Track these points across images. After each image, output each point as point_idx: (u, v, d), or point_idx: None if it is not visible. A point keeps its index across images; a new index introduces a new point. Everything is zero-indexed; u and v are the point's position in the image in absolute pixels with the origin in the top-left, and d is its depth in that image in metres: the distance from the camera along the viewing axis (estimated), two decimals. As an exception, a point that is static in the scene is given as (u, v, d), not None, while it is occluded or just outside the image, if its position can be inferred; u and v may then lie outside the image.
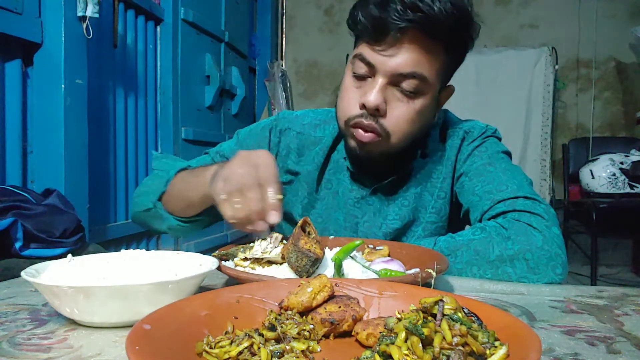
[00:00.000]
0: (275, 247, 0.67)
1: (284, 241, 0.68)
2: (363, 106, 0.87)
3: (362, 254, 0.75)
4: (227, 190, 0.72)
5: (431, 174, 0.99)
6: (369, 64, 0.86)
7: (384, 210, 1.00)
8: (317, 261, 0.61)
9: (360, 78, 0.88)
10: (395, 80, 0.85)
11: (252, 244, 0.69)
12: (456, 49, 0.89)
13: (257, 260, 0.67)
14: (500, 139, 1.02)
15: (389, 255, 0.74)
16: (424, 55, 0.84)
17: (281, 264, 0.66)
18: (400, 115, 0.87)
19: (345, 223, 1.01)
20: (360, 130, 0.88)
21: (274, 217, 0.70)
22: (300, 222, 0.67)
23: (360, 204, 1.00)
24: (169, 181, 0.96)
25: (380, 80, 0.85)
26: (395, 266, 0.65)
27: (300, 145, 1.04)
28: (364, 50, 0.86)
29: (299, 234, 0.63)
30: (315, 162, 1.02)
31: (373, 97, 0.85)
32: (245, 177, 0.71)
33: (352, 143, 0.91)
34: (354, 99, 0.89)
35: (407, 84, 0.85)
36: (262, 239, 0.69)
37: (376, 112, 0.86)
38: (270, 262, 0.67)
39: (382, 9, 0.82)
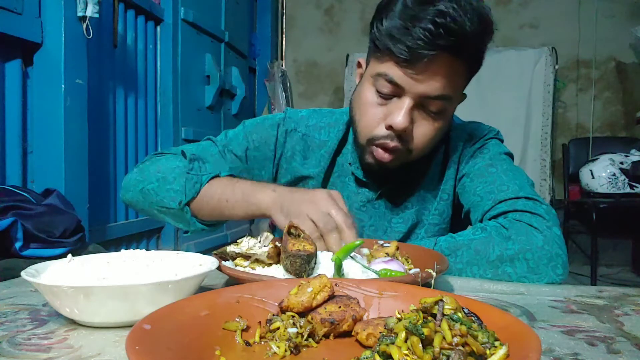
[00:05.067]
0: (264, 246, 0.66)
1: (277, 243, 0.68)
2: (389, 127, 0.86)
3: (371, 251, 0.75)
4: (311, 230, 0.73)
5: (434, 176, 1.00)
6: (396, 85, 0.84)
7: (388, 214, 0.99)
8: (310, 257, 0.61)
9: (384, 96, 0.87)
10: (422, 101, 0.85)
11: (241, 239, 0.69)
12: (477, 63, 0.88)
13: (247, 258, 0.67)
14: (502, 141, 1.02)
15: (397, 250, 0.74)
16: (452, 77, 0.83)
17: (269, 264, 0.66)
18: (425, 134, 0.88)
19: None
20: (380, 150, 0.88)
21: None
22: (285, 229, 0.67)
23: (366, 208, 1.00)
24: (202, 187, 0.90)
25: (407, 102, 0.84)
26: (395, 266, 0.65)
27: (305, 148, 1.03)
28: (392, 70, 0.83)
29: (285, 240, 0.64)
30: (321, 165, 1.01)
31: (401, 119, 0.84)
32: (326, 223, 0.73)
33: (370, 160, 0.91)
34: (377, 117, 0.87)
35: (433, 106, 0.85)
36: (252, 237, 0.69)
37: (403, 133, 0.86)
38: (258, 261, 0.67)
39: (414, 30, 0.78)
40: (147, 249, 0.68)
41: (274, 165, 1.04)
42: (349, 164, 1.00)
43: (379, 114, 0.87)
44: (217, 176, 0.92)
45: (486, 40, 0.85)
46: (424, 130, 0.87)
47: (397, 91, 0.85)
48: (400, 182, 0.98)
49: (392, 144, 0.86)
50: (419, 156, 0.91)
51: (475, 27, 0.79)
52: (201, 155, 1.00)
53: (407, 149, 0.88)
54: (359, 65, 0.97)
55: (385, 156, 0.88)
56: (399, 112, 0.84)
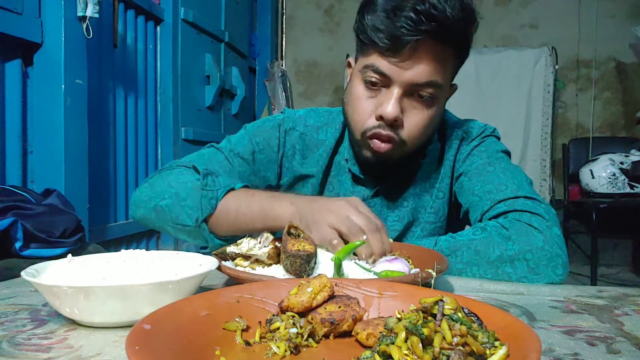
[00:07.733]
0: (264, 247, 0.67)
1: (277, 243, 0.68)
2: (380, 117, 0.86)
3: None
4: (352, 231, 0.71)
5: (430, 174, 1.00)
6: (383, 75, 0.85)
7: (384, 212, 0.99)
8: (310, 257, 0.61)
9: (373, 87, 0.87)
10: (411, 89, 0.85)
11: (241, 240, 0.69)
12: (463, 50, 0.89)
13: (246, 258, 0.67)
14: (499, 138, 1.02)
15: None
16: (438, 63, 0.84)
17: (269, 264, 0.66)
18: (417, 123, 0.88)
19: None
20: (376, 141, 0.88)
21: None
22: (285, 229, 0.67)
23: None
24: (218, 202, 0.86)
25: (396, 91, 0.85)
26: (400, 265, 0.65)
27: (304, 147, 1.04)
28: (378, 61, 0.85)
29: (285, 240, 0.64)
30: (319, 164, 1.02)
31: (391, 108, 0.84)
32: (365, 224, 0.71)
33: (368, 153, 0.91)
34: (369, 110, 0.88)
35: (423, 93, 0.85)
36: (252, 237, 0.69)
37: (394, 123, 0.86)
38: (258, 261, 0.67)
39: (395, 18, 0.80)
40: (147, 249, 0.68)
41: (278, 166, 1.04)
42: (346, 160, 1.01)
43: (370, 106, 0.88)
44: (232, 189, 0.87)
45: (470, 28, 0.85)
46: (415, 119, 0.88)
47: (385, 81, 0.85)
48: (396, 179, 0.98)
49: (385, 132, 0.87)
50: (414, 146, 0.91)
51: (457, 13, 0.80)
52: (209, 164, 0.97)
53: (401, 139, 0.88)
54: (349, 65, 0.98)
55: (382, 146, 0.88)
56: (388, 102, 0.84)
